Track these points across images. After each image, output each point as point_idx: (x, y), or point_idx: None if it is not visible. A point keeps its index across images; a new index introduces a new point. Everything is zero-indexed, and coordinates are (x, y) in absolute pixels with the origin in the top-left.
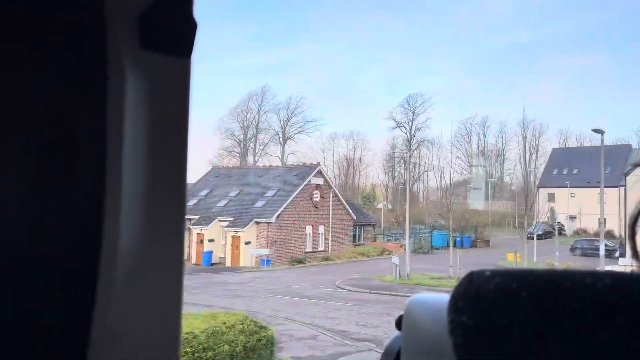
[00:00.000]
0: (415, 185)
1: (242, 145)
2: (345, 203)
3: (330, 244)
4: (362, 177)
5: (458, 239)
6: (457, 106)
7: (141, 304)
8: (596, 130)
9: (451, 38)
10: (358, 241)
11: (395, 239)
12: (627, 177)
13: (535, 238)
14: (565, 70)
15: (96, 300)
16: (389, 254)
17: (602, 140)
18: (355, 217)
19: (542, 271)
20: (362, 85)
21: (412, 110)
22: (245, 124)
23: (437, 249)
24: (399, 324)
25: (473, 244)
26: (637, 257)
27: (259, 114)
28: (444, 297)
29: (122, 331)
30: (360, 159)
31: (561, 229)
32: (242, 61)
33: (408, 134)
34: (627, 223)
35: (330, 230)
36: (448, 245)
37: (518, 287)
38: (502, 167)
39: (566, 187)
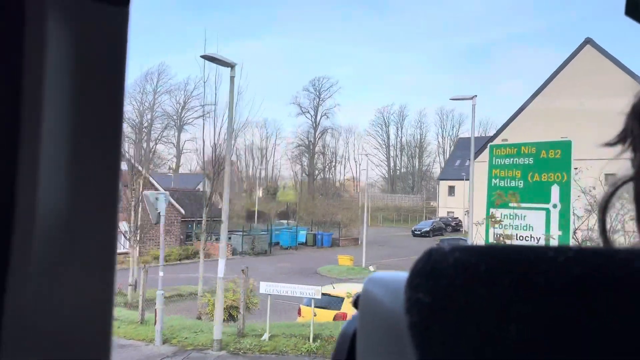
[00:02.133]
0: (328, 177)
1: (136, 131)
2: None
3: (137, 244)
4: (275, 167)
5: (319, 236)
6: (375, 93)
7: (65, 291)
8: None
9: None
10: (191, 240)
11: (216, 239)
12: (471, 168)
13: (425, 235)
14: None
15: (7, 284)
16: (205, 257)
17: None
18: (183, 212)
19: (504, 246)
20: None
21: (318, 94)
22: (141, 108)
23: (285, 248)
24: (356, 303)
25: (335, 243)
26: (605, 236)
27: (154, 96)
28: (403, 275)
29: (39, 325)
30: (274, 147)
31: (458, 225)
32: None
33: (312, 121)
34: (599, 205)
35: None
36: (305, 244)
37: (477, 262)
38: (421, 159)
39: (463, 179)
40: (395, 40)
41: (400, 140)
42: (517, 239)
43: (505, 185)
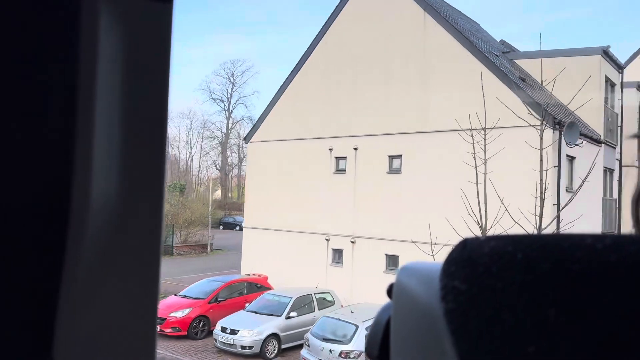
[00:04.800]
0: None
1: None
2: None
3: None
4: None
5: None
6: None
7: (112, 289)
8: None
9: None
10: None
11: None
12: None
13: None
14: None
15: (60, 289)
16: None
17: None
18: None
19: (540, 235)
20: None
21: (232, 80)
22: None
23: None
24: (389, 292)
25: (167, 251)
26: (638, 225)
27: None
28: (437, 265)
29: (90, 322)
30: (196, 141)
31: None
32: None
33: (226, 111)
34: (633, 197)
35: None
36: None
37: (514, 249)
38: None
39: None
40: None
41: None
42: None
43: None
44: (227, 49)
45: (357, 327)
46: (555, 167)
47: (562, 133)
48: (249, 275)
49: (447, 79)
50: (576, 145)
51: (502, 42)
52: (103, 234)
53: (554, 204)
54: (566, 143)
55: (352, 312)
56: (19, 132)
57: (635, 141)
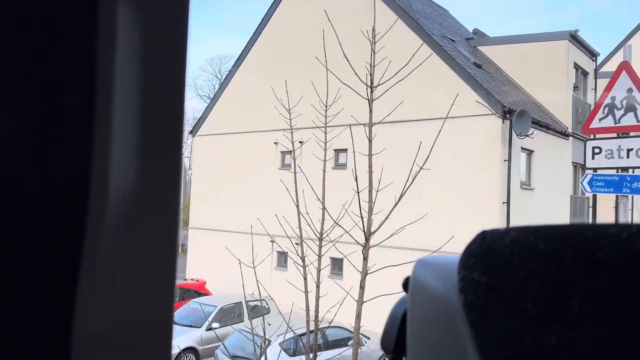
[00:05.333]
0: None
1: None
2: None
3: None
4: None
5: None
6: None
7: (129, 283)
8: None
9: None
10: None
11: None
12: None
13: None
14: None
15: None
16: None
17: None
18: None
19: (562, 225)
20: None
21: (219, 76)
22: None
23: None
24: (405, 286)
25: None
26: None
27: None
28: (453, 258)
29: (108, 317)
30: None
31: None
32: None
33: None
34: None
35: None
36: None
37: (535, 240)
38: None
39: None
40: None
41: None
42: None
43: None
44: (215, 45)
45: (269, 342)
46: (505, 161)
47: (512, 123)
48: (186, 280)
49: (393, 65)
50: (527, 136)
51: (475, 32)
52: (121, 226)
53: (503, 202)
54: (516, 134)
55: (269, 325)
56: (39, 124)
57: None
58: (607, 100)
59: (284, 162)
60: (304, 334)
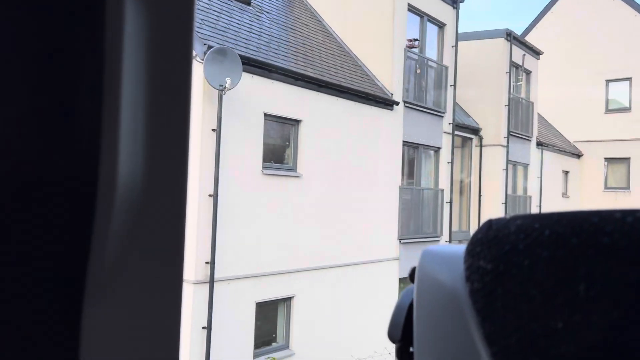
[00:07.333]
0: None
1: None
2: None
3: None
4: None
5: None
6: None
7: (141, 284)
8: None
9: None
10: None
11: None
12: None
13: None
14: None
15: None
16: None
17: None
18: None
19: (567, 212)
20: None
21: None
22: None
23: None
24: (412, 276)
25: None
26: None
27: None
28: (459, 247)
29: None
30: None
31: None
32: None
33: None
34: None
35: None
36: None
37: (541, 226)
38: None
39: None
40: None
41: None
42: None
43: None
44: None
45: None
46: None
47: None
48: None
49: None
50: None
51: None
52: (129, 219)
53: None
54: (210, 83)
55: None
56: (46, 119)
57: None
58: None
59: None
60: None
